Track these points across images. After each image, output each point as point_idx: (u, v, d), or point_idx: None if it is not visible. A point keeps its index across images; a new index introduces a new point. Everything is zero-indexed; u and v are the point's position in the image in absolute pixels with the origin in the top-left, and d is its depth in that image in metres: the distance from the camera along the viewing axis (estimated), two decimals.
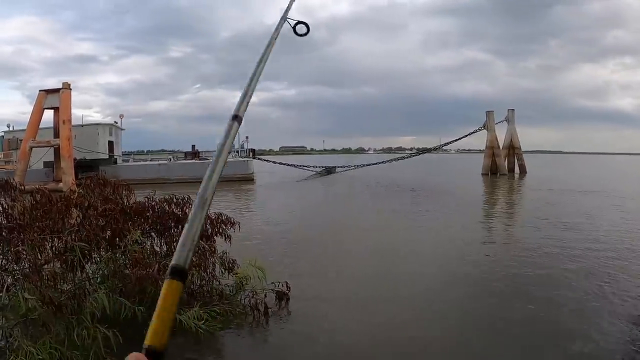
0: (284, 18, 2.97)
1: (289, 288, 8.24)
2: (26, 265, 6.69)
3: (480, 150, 56.68)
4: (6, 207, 7.66)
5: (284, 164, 50.26)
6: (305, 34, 2.95)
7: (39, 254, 6.80)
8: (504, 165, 47.69)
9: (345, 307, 8.49)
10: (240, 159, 46.04)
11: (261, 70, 2.34)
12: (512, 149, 49.78)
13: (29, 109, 38.19)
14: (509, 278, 9.92)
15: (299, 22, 2.98)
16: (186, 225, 1.39)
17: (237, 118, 1.81)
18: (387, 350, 6.73)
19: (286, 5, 3.18)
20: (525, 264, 10.98)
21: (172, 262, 1.29)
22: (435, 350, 6.83)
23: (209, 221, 8.43)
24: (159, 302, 1.20)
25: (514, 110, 50.09)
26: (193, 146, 52.33)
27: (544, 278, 9.80)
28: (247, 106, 1.96)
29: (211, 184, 1.53)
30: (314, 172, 49.92)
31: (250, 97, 2.07)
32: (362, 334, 7.29)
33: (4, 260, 7.13)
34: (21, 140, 38.44)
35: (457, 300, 8.79)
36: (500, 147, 48.13)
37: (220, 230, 8.38)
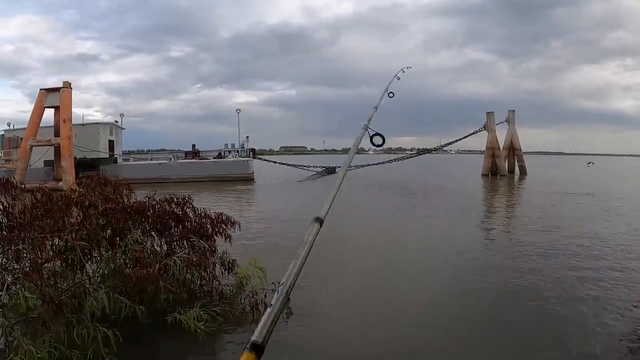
0: (365, 127, 3.32)
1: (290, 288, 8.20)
2: (26, 264, 6.69)
3: (480, 151, 56.72)
4: (6, 205, 7.67)
5: (285, 164, 50.24)
6: (381, 145, 3.32)
7: (39, 253, 6.80)
8: (504, 166, 47.71)
9: (346, 307, 8.49)
10: (241, 158, 46.10)
11: (342, 179, 2.63)
12: (513, 150, 49.87)
13: (29, 107, 38.31)
14: (509, 280, 9.91)
15: (376, 134, 3.30)
16: (269, 309, 1.64)
17: (319, 220, 2.06)
18: (388, 352, 6.72)
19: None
20: (527, 267, 10.96)
21: (253, 337, 1.54)
22: (437, 351, 6.81)
23: (209, 220, 8.45)
24: None
25: (514, 111, 50.22)
26: (193, 146, 52.34)
27: (544, 280, 9.78)
28: (329, 209, 2.20)
29: (293, 275, 1.79)
30: (315, 172, 49.94)
31: (333, 201, 2.34)
32: (364, 335, 7.29)
33: (4, 259, 7.12)
34: (21, 139, 38.48)
35: (458, 301, 8.79)
36: (501, 148, 48.19)
37: (221, 230, 8.39)
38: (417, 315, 8.17)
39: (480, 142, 50.79)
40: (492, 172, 46.47)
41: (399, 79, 6.20)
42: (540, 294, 8.98)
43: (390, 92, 4.77)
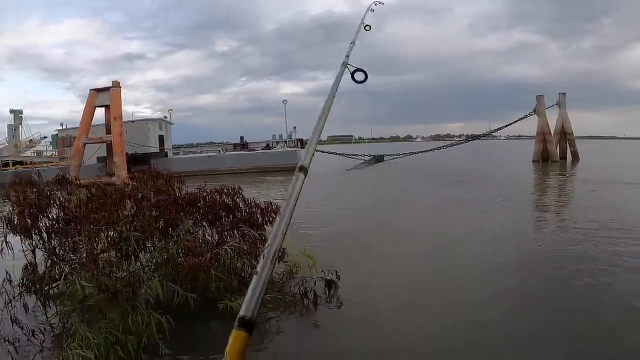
0: (344, 64, 3.14)
1: (339, 277, 8.22)
2: (83, 255, 6.92)
3: (530, 136, 55.42)
4: (63, 200, 7.94)
5: (333, 153, 50.16)
6: (364, 82, 3.09)
7: (95, 244, 7.03)
8: (555, 152, 46.21)
9: (395, 297, 8.44)
10: (289, 149, 46.39)
11: (324, 121, 2.43)
12: (564, 134, 48.11)
13: (81, 108, 39.45)
14: (562, 272, 9.64)
15: (357, 70, 3.13)
16: (255, 277, 1.49)
17: (303, 169, 1.91)
18: (436, 343, 6.62)
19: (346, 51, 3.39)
20: (579, 259, 10.64)
21: (240, 312, 1.39)
22: (491, 342, 6.71)
23: (259, 210, 8.55)
24: (227, 352, 1.22)
25: (565, 94, 48.25)
26: (242, 138, 53.07)
27: (597, 270, 9.50)
28: (312, 157, 2.03)
29: (280, 234, 1.56)
30: (363, 161, 49.83)
31: (315, 148, 2.13)
32: (410, 324, 7.23)
33: (61, 251, 7.39)
34: (74, 138, 39.76)
35: (508, 289, 8.63)
36: (552, 133, 46.82)
37: (271, 219, 8.45)
38: (470, 306, 8.00)
39: (530, 127, 49.54)
40: (544, 159, 45.04)
41: (373, 11, 6.06)
42: (592, 284, 8.71)
43: (367, 25, 4.59)
